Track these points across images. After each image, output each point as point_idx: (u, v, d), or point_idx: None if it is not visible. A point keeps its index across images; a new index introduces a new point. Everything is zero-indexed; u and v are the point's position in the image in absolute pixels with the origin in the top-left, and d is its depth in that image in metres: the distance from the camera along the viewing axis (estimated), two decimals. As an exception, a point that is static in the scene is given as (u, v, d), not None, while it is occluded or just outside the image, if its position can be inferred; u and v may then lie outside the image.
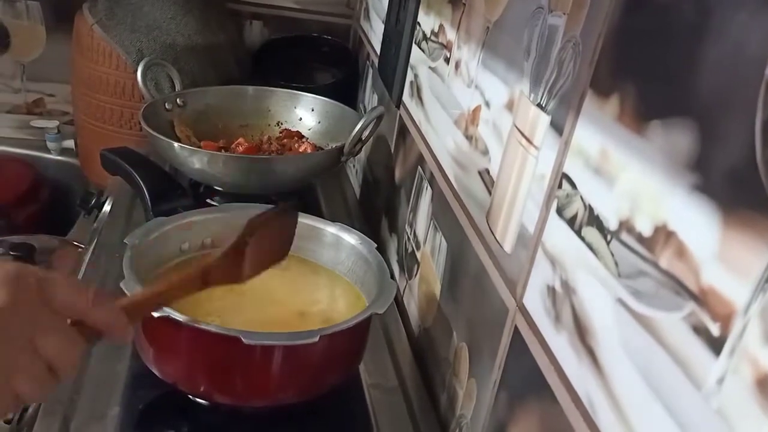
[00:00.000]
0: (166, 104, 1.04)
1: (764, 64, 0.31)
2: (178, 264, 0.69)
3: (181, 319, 0.54)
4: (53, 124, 1.42)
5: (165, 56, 1.19)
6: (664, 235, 0.37)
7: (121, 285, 0.57)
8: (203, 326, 0.54)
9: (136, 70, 1.06)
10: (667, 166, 0.37)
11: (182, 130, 1.04)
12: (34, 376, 0.40)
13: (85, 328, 0.43)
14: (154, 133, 0.92)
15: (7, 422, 0.64)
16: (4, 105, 1.46)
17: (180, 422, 0.60)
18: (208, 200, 0.96)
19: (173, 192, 0.89)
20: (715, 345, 0.32)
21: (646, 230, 0.38)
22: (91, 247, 0.88)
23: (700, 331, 0.33)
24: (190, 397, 0.61)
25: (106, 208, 0.98)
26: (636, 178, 0.40)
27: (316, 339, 0.55)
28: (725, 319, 0.32)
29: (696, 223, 0.34)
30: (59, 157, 1.42)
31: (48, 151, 1.42)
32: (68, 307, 0.42)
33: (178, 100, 1.06)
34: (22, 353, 0.40)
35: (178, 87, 1.11)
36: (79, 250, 1.08)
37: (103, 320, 0.44)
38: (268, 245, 0.58)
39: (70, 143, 1.40)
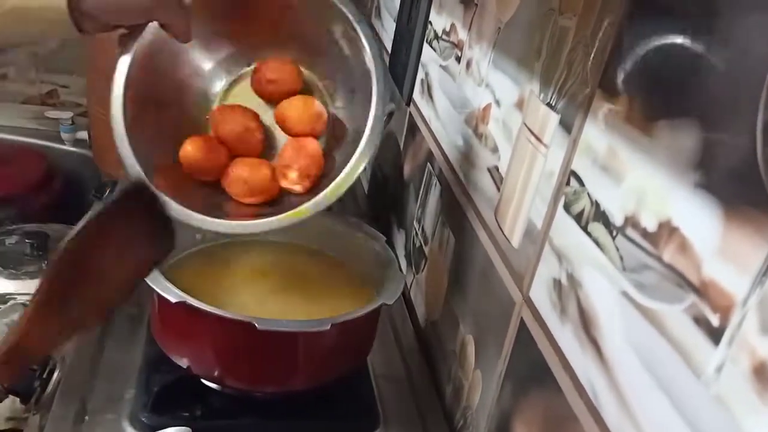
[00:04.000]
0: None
1: (766, 67, 0.32)
2: (194, 253, 0.70)
3: (196, 305, 0.56)
4: (67, 115, 1.44)
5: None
6: (668, 230, 0.38)
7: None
8: (218, 312, 0.56)
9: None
10: (672, 165, 0.39)
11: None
12: None
13: None
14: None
15: (24, 402, 0.65)
16: (18, 96, 1.49)
17: (193, 405, 0.62)
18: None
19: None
20: (715, 335, 0.34)
21: (651, 226, 0.40)
22: (106, 236, 0.89)
23: (700, 321, 0.35)
24: (204, 381, 0.62)
25: (120, 198, 1.00)
26: (642, 175, 0.42)
27: (328, 327, 0.56)
28: (725, 311, 0.33)
29: (699, 219, 0.36)
30: (72, 148, 1.44)
31: (62, 141, 1.44)
32: None
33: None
34: None
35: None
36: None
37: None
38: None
39: (83, 134, 1.42)
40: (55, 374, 0.67)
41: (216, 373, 0.61)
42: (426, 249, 0.85)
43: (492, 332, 0.62)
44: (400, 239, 0.98)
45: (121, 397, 0.62)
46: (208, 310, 0.56)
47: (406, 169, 0.99)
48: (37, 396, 0.67)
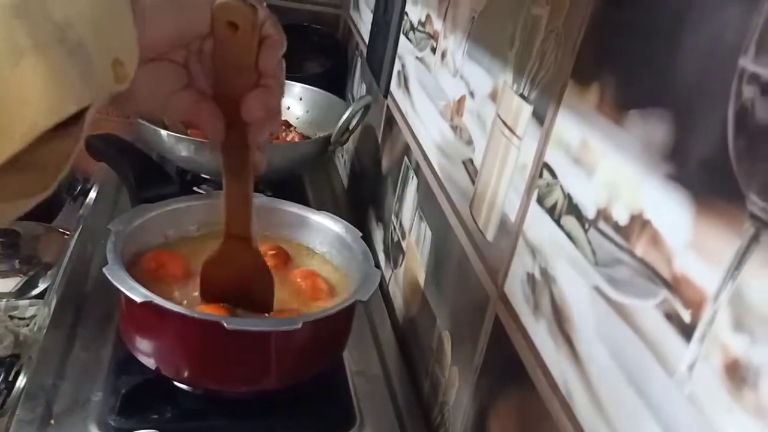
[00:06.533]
0: (153, 91, 1.03)
1: (738, 55, 0.31)
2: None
3: (164, 305, 0.54)
4: (39, 110, 1.40)
5: (152, 43, 1.18)
6: (639, 223, 0.37)
7: (104, 270, 0.57)
8: (185, 312, 0.54)
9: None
10: (644, 156, 0.38)
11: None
12: None
13: None
14: (142, 120, 0.92)
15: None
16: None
17: (163, 407, 0.60)
18: (195, 188, 0.96)
19: (159, 179, 0.89)
20: (687, 331, 0.33)
21: (623, 219, 0.39)
22: (77, 234, 0.87)
23: (672, 317, 0.34)
24: (174, 382, 0.61)
25: (92, 194, 0.98)
26: (614, 167, 0.41)
27: (299, 325, 0.55)
28: (696, 306, 0.32)
29: (670, 211, 0.35)
30: (45, 144, 1.41)
31: (34, 137, 1.41)
32: None
33: (165, 87, 1.05)
34: None
35: (165, 74, 1.10)
36: (65, 236, 1.08)
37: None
38: None
39: (56, 130, 1.39)
40: (21, 376, 0.65)
41: (186, 374, 0.59)
42: (404, 244, 0.84)
43: (468, 328, 0.61)
44: (379, 234, 0.97)
45: (88, 399, 0.60)
46: (175, 309, 0.54)
47: (384, 163, 0.98)
48: (2, 399, 0.65)
